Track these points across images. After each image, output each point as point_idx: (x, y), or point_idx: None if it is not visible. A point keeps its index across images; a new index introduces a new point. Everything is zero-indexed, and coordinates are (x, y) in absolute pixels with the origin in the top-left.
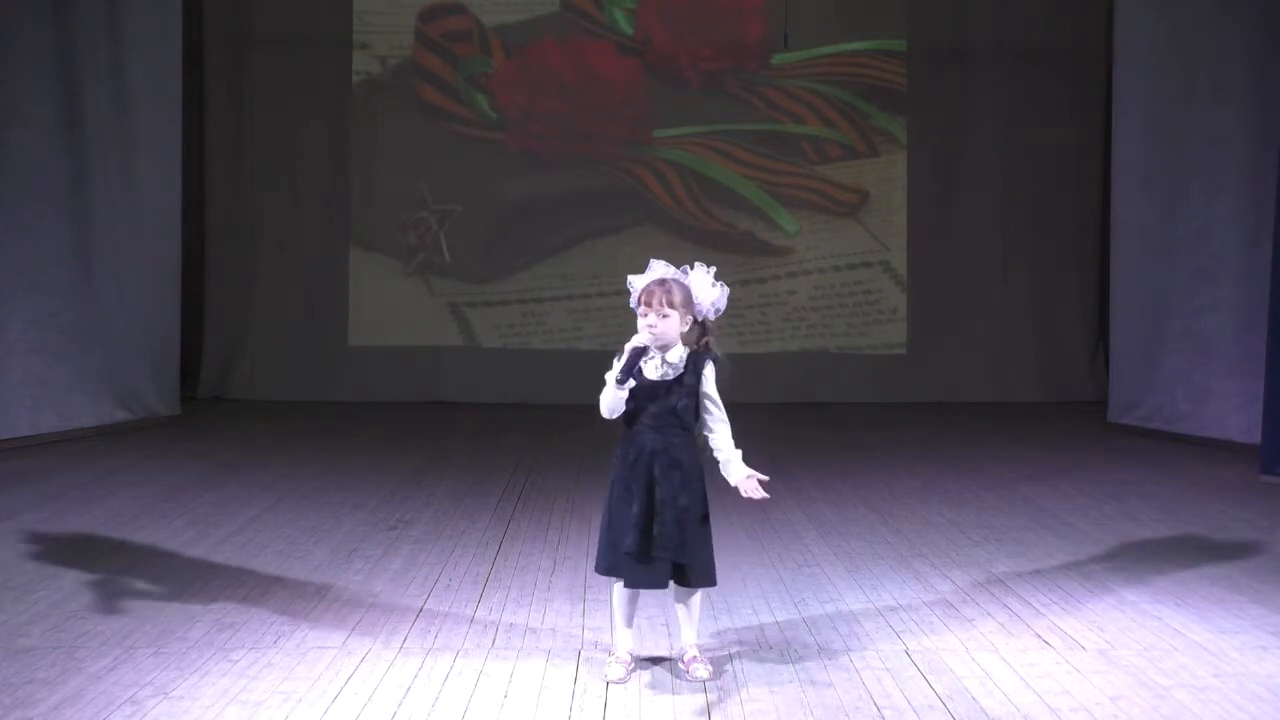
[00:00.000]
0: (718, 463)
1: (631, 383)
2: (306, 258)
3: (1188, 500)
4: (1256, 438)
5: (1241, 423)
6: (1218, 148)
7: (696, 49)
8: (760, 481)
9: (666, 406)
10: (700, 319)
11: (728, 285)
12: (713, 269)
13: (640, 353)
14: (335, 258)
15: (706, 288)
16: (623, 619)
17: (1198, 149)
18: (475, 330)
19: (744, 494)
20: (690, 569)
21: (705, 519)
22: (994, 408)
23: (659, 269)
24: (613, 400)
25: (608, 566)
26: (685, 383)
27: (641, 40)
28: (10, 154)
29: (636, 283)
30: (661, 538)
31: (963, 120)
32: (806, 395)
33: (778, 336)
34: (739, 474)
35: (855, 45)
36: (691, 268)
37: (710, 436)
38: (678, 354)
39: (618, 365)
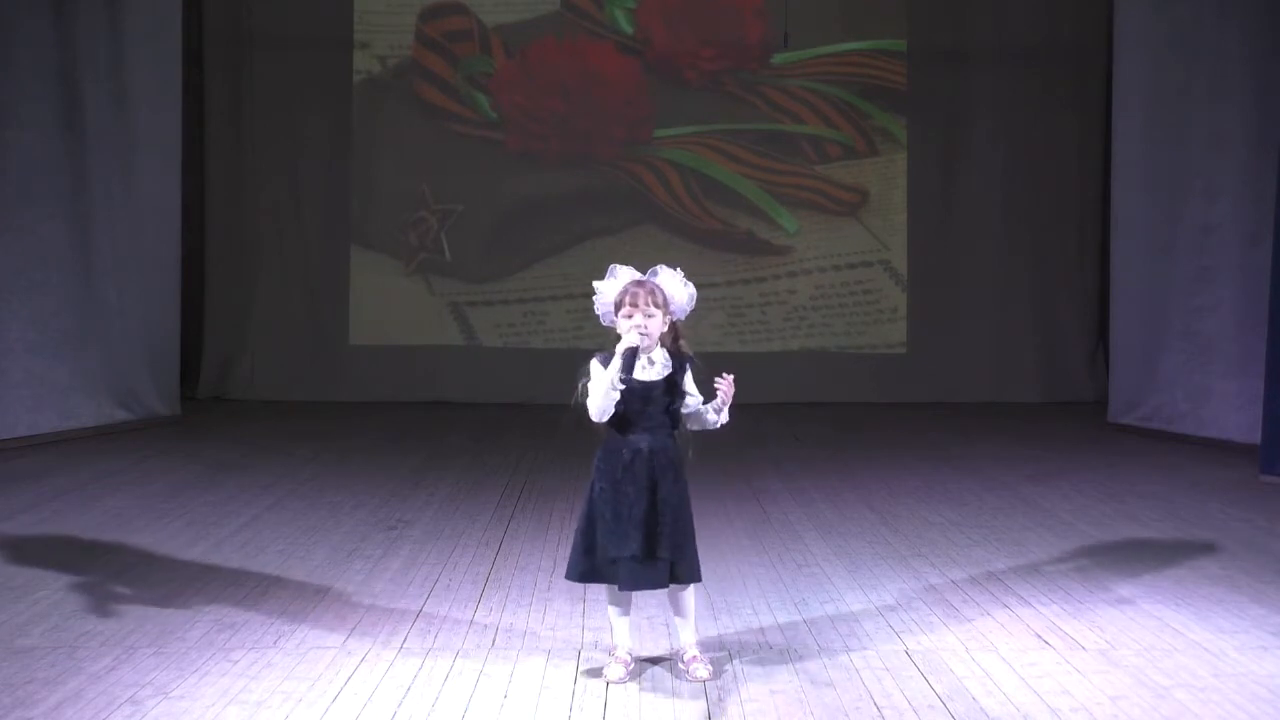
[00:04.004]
0: (698, 429)
1: (621, 386)
2: (306, 258)
3: (1188, 500)
4: (1256, 438)
5: (1241, 423)
6: (1218, 148)
7: (696, 49)
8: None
9: (660, 408)
10: (674, 319)
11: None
12: (678, 269)
13: (634, 353)
14: (335, 258)
15: (679, 288)
16: (618, 616)
17: (1198, 149)
18: (476, 330)
19: (723, 390)
20: (680, 565)
21: (690, 516)
22: (994, 408)
23: (624, 273)
24: (604, 402)
25: (581, 573)
26: (673, 383)
27: (641, 40)
28: (10, 154)
29: (605, 288)
30: (664, 538)
31: (963, 120)
32: (806, 395)
33: (778, 336)
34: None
35: (855, 45)
36: (659, 270)
37: (687, 414)
38: (661, 355)
39: (608, 369)
